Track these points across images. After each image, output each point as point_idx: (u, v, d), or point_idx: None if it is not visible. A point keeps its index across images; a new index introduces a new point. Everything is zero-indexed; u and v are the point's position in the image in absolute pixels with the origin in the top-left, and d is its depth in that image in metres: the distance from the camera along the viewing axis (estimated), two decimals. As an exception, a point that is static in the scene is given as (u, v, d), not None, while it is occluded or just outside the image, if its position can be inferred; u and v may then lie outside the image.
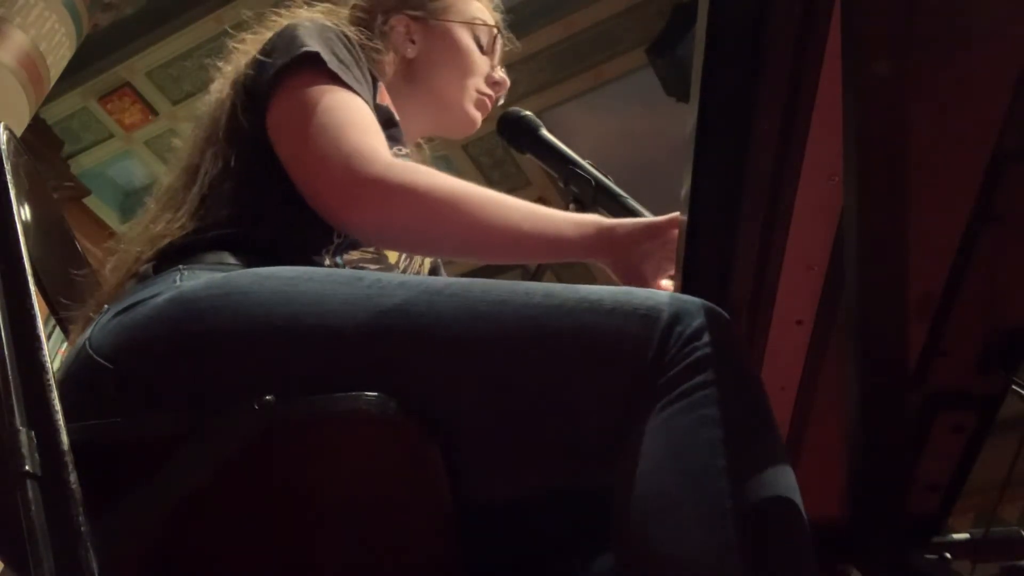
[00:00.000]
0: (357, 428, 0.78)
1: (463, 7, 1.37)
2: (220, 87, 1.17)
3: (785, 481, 0.70)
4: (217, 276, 0.90)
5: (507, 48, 1.43)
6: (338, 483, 0.83)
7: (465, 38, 1.35)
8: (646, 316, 0.75)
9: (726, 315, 0.76)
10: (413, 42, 1.33)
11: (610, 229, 1.08)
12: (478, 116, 1.38)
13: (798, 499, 0.70)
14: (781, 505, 0.69)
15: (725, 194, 0.76)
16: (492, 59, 1.39)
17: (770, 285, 0.81)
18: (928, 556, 0.88)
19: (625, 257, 1.09)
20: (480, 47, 1.37)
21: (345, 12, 1.31)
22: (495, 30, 1.39)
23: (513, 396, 0.77)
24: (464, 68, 1.35)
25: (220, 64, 1.21)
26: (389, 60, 1.30)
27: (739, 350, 0.77)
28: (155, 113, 6.06)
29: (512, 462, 0.81)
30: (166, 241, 1.03)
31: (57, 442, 0.73)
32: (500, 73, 1.40)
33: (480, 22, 1.37)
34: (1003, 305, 0.76)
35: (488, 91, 1.38)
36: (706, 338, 0.73)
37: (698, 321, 0.74)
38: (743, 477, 0.68)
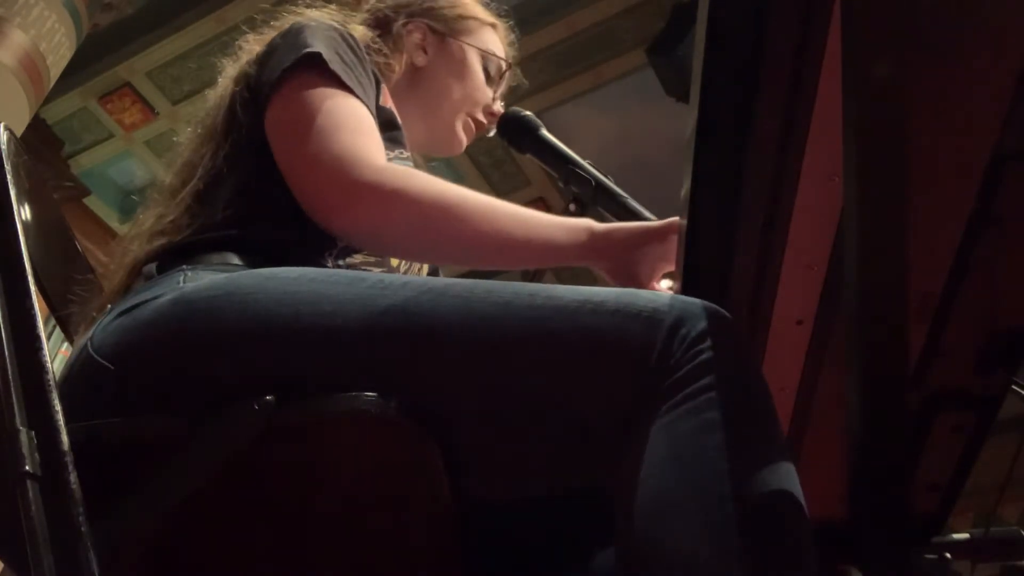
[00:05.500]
0: (357, 428, 0.78)
1: (481, 35, 1.41)
2: (223, 86, 1.17)
3: (789, 483, 0.70)
4: (219, 277, 0.90)
5: (513, 84, 1.47)
6: (338, 483, 0.83)
7: (475, 63, 1.39)
8: (650, 319, 0.75)
9: (729, 317, 0.76)
10: (425, 52, 1.36)
11: (604, 234, 1.07)
12: (463, 139, 1.40)
13: (802, 502, 0.70)
14: (785, 508, 0.69)
15: (725, 194, 0.76)
16: (495, 91, 1.42)
17: (770, 285, 0.81)
18: (928, 556, 0.88)
19: (619, 261, 1.08)
20: (488, 77, 1.40)
21: (358, 14, 1.32)
22: (505, 64, 1.42)
23: (516, 397, 0.77)
24: (466, 88, 1.38)
25: (225, 62, 1.21)
26: (397, 62, 1.32)
27: (743, 353, 0.76)
28: (155, 113, 6.06)
29: (514, 463, 0.81)
30: (168, 241, 1.03)
31: (57, 442, 0.73)
32: (498, 106, 1.43)
33: (494, 54, 1.41)
34: (1003, 305, 0.76)
35: (481, 118, 1.41)
36: (710, 341, 0.73)
37: (702, 324, 0.74)
38: (747, 480, 0.68)
